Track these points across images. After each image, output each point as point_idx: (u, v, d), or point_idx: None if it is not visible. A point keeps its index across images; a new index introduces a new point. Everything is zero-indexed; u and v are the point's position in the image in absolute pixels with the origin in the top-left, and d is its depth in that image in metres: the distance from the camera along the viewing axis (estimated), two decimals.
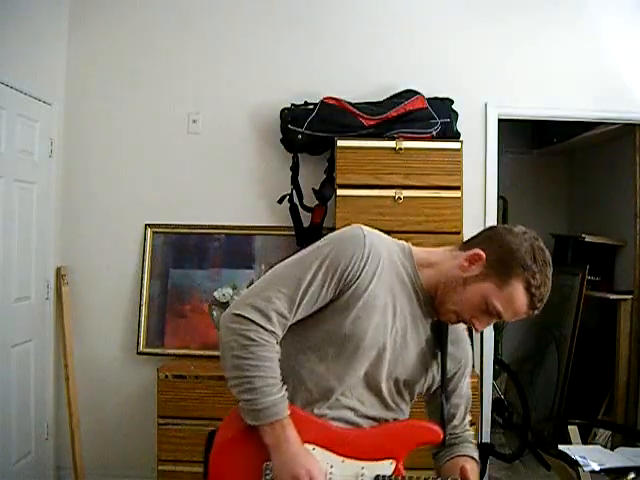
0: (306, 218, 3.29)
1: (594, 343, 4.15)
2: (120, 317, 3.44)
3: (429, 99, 3.24)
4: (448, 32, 3.45)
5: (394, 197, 3.02)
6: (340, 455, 1.36)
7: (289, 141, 3.26)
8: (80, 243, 3.48)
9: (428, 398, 1.56)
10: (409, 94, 3.24)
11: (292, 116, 3.23)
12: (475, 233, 1.49)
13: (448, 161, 3.07)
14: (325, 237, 1.44)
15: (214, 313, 3.36)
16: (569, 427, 2.89)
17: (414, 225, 3.02)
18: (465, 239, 1.51)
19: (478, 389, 3.10)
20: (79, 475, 3.32)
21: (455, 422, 1.55)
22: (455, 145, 3.10)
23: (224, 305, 3.36)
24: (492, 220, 3.47)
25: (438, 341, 1.46)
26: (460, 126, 3.28)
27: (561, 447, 2.65)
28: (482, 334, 3.44)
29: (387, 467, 1.36)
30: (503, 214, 4.67)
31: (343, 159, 3.08)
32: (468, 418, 1.59)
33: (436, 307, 1.43)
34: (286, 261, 1.41)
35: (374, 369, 1.41)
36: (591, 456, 2.51)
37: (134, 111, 3.48)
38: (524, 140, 4.82)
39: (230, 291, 3.36)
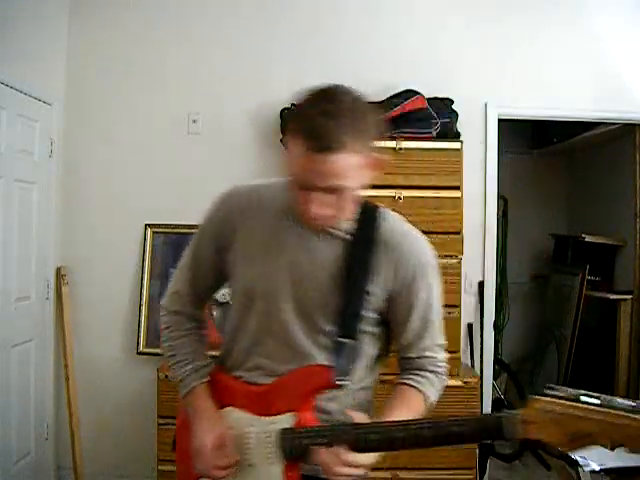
0: None
1: (594, 343, 4.15)
2: (120, 317, 3.44)
3: (429, 99, 3.24)
4: (448, 32, 3.46)
5: (394, 197, 3.02)
6: (255, 413, 1.33)
7: None
8: (80, 243, 3.48)
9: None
10: (409, 94, 3.23)
11: None
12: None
13: (448, 161, 3.07)
14: None
15: (214, 313, 3.36)
16: None
17: (414, 225, 3.01)
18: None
19: (478, 389, 3.10)
20: (79, 475, 3.32)
21: (402, 342, 1.39)
22: (455, 145, 3.10)
23: (224, 305, 3.36)
24: (492, 220, 3.47)
25: (352, 259, 1.31)
26: (460, 126, 3.28)
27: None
28: (482, 334, 3.44)
29: (288, 420, 1.28)
30: (503, 214, 4.67)
31: None
32: (429, 341, 1.40)
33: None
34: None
35: (275, 318, 1.32)
36: (591, 456, 2.51)
37: (134, 111, 3.48)
38: (524, 140, 4.82)
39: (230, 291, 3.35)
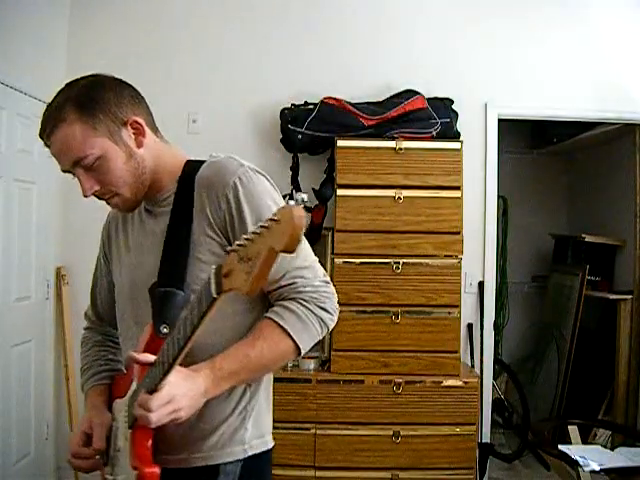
0: (306, 218, 3.29)
1: (594, 343, 4.15)
2: None
3: (429, 99, 3.24)
4: (448, 32, 3.46)
5: (394, 197, 3.02)
6: (123, 398, 1.26)
7: (289, 141, 3.26)
8: (80, 243, 3.46)
9: None
10: (409, 94, 3.24)
11: (292, 116, 3.23)
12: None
13: (448, 161, 3.06)
14: None
15: None
16: (569, 427, 2.89)
17: (414, 225, 3.02)
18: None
19: (478, 389, 3.10)
20: (79, 475, 3.32)
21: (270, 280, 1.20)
22: (455, 145, 3.10)
23: None
24: (492, 220, 3.47)
25: (175, 223, 1.27)
26: (460, 126, 3.28)
27: (561, 447, 2.65)
28: (482, 334, 3.44)
29: (133, 387, 1.21)
30: (503, 214, 4.67)
31: (343, 159, 3.07)
32: (296, 264, 1.21)
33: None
34: None
35: (136, 309, 1.30)
36: (591, 456, 2.51)
37: None
38: (524, 140, 4.82)
39: None
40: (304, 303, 1.21)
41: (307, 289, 1.22)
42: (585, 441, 3.20)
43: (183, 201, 1.28)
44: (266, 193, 1.28)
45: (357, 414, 2.95)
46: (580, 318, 4.03)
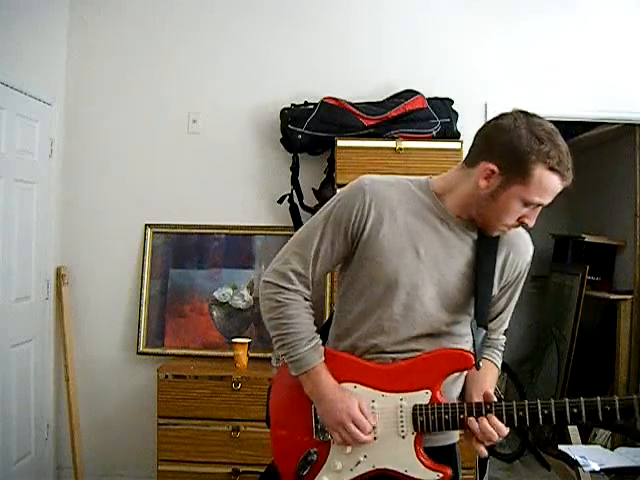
0: (306, 218, 3.29)
1: (594, 343, 4.15)
2: (120, 317, 3.44)
3: (429, 99, 3.24)
4: (448, 32, 3.45)
5: None
6: (380, 390, 1.44)
7: (289, 141, 3.26)
8: (80, 243, 3.48)
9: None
10: (409, 94, 3.24)
11: (292, 116, 3.23)
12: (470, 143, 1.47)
13: (448, 161, 3.06)
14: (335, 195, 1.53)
15: (214, 313, 3.36)
16: (569, 427, 2.89)
17: None
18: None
19: None
20: (79, 475, 3.32)
21: (492, 326, 1.57)
22: (455, 145, 3.10)
23: (224, 305, 3.36)
24: None
25: (484, 257, 1.47)
26: (460, 126, 3.28)
27: (561, 447, 2.65)
28: None
29: (423, 397, 1.41)
30: None
31: (343, 159, 3.07)
32: (505, 326, 1.63)
33: (482, 227, 1.46)
34: (304, 224, 1.54)
35: (409, 309, 1.45)
36: (591, 456, 2.51)
37: (134, 111, 3.48)
38: None
39: (230, 291, 3.36)
40: (501, 348, 1.69)
41: (503, 342, 1.70)
42: (585, 441, 3.19)
43: (490, 244, 1.48)
44: None
45: None
46: (580, 318, 4.03)
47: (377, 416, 1.43)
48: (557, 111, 3.49)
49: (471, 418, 1.39)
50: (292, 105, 3.29)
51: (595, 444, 3.29)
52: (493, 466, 3.56)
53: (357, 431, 1.40)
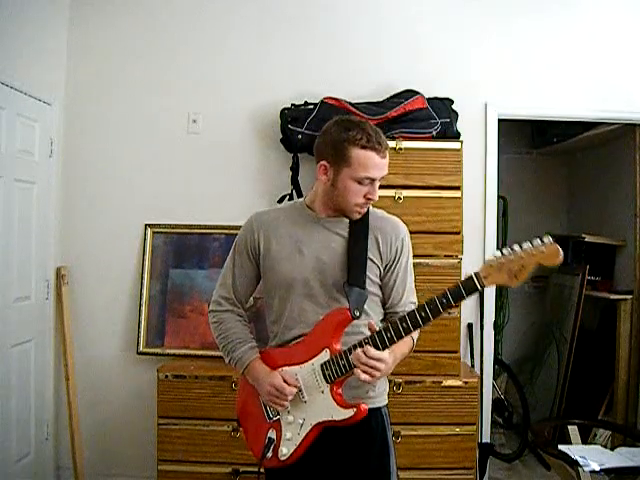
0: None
1: (594, 343, 4.15)
2: (120, 317, 3.45)
3: (429, 99, 3.24)
4: (448, 32, 3.46)
5: (394, 197, 3.02)
6: (298, 364, 1.76)
7: (289, 141, 3.26)
8: (80, 243, 3.48)
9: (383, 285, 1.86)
10: (409, 94, 3.24)
11: (292, 116, 3.23)
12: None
13: (448, 161, 3.06)
14: None
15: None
16: (569, 427, 2.89)
17: (414, 225, 2.98)
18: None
19: (478, 389, 3.10)
20: (79, 475, 3.32)
21: (393, 300, 1.85)
22: (455, 145, 3.10)
23: None
24: (492, 220, 3.46)
25: (356, 237, 1.79)
26: (460, 126, 3.28)
27: (561, 447, 2.65)
28: (482, 334, 3.44)
29: (325, 355, 1.72)
30: (503, 214, 4.67)
31: None
32: (410, 299, 1.88)
33: (344, 214, 1.79)
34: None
35: (309, 297, 1.79)
36: (591, 456, 2.51)
37: (134, 111, 3.48)
38: (524, 140, 4.82)
39: None
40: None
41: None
42: (585, 441, 3.19)
43: (361, 227, 1.81)
44: (411, 264, 1.92)
45: None
46: (580, 318, 4.03)
47: (301, 384, 1.74)
48: (557, 111, 3.50)
49: (353, 353, 1.66)
50: (292, 105, 3.30)
51: (595, 444, 3.29)
52: (493, 466, 3.56)
53: (284, 392, 1.72)
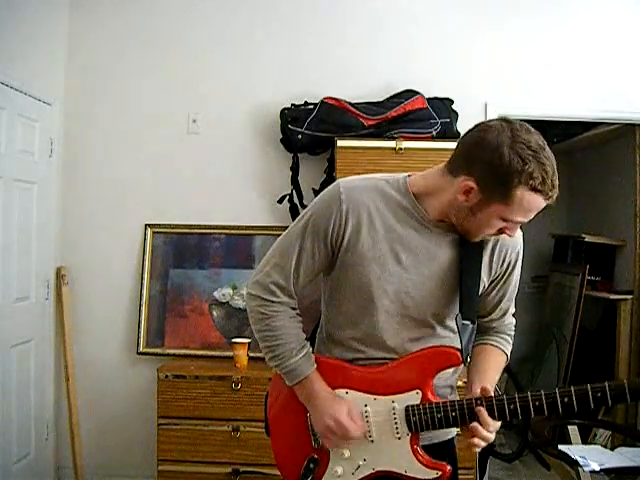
0: None
1: (594, 343, 4.15)
2: (120, 317, 3.44)
3: (429, 99, 3.24)
4: (448, 32, 3.45)
5: None
6: (371, 394, 1.44)
7: (289, 141, 3.26)
8: (80, 243, 3.48)
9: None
10: (409, 94, 3.24)
11: (292, 116, 3.23)
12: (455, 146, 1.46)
13: None
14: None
15: (214, 313, 3.36)
16: (569, 427, 2.89)
17: None
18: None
19: None
20: (79, 475, 3.32)
21: (493, 316, 1.60)
22: (455, 145, 3.09)
23: (224, 305, 3.36)
24: None
25: (469, 253, 1.45)
26: (460, 126, 3.27)
27: (561, 447, 2.65)
28: None
29: (414, 397, 1.41)
30: None
31: (343, 159, 3.07)
32: (512, 310, 1.64)
33: (462, 234, 1.43)
34: (285, 232, 1.51)
35: (394, 315, 1.44)
36: (591, 456, 2.51)
37: (134, 111, 3.48)
38: None
39: (230, 291, 3.36)
40: (512, 337, 1.71)
41: (513, 329, 1.71)
42: (585, 441, 3.19)
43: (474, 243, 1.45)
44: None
45: None
46: (580, 318, 4.03)
47: (371, 419, 1.43)
48: (557, 111, 3.50)
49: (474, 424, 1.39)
50: (292, 105, 3.30)
51: (595, 444, 3.29)
52: (493, 466, 3.56)
53: (349, 433, 1.41)
